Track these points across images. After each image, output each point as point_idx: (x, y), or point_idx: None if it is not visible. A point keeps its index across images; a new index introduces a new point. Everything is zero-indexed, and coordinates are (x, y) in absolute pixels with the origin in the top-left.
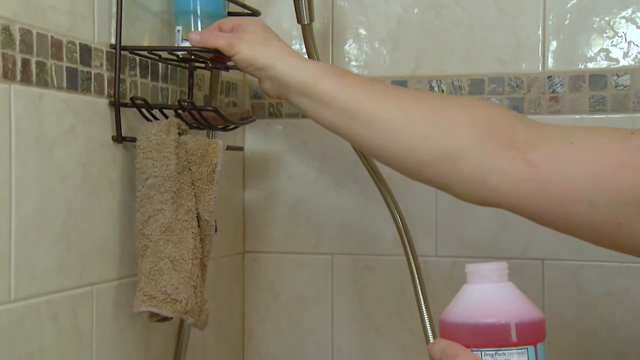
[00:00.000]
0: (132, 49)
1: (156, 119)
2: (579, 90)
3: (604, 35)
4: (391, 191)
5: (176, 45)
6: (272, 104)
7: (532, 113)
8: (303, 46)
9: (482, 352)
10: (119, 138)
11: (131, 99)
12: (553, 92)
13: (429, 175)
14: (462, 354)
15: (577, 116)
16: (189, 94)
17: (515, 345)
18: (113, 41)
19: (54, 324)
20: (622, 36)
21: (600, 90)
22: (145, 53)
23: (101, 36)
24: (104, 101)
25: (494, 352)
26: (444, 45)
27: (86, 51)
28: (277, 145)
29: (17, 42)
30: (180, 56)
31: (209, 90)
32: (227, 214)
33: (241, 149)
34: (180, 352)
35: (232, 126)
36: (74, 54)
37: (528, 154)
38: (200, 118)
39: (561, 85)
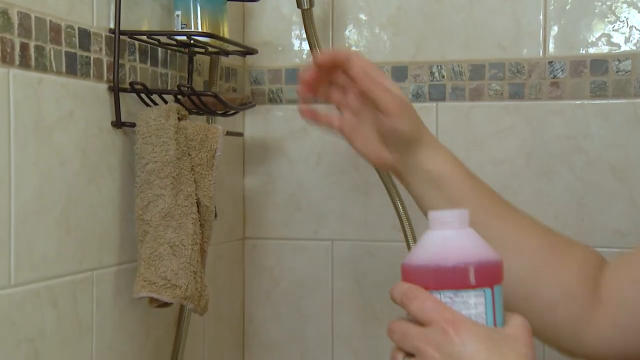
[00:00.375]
0: (131, 34)
1: (155, 104)
2: (580, 76)
3: (606, 20)
4: (391, 177)
5: (175, 30)
6: (272, 89)
7: (533, 99)
8: (303, 31)
9: (442, 294)
10: (118, 123)
11: (130, 83)
12: (554, 77)
13: (523, 311)
14: (422, 296)
15: (578, 102)
16: (189, 79)
17: (473, 287)
18: (112, 26)
19: (54, 309)
20: (623, 21)
21: (602, 75)
22: (144, 38)
23: (100, 21)
24: (104, 86)
25: (452, 294)
26: (445, 31)
27: (85, 36)
28: (278, 131)
29: (16, 26)
30: (179, 41)
31: (209, 76)
32: (227, 200)
33: (241, 134)
34: (180, 338)
35: (232, 111)
36: (73, 38)
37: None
38: (200, 103)
39: (562, 70)
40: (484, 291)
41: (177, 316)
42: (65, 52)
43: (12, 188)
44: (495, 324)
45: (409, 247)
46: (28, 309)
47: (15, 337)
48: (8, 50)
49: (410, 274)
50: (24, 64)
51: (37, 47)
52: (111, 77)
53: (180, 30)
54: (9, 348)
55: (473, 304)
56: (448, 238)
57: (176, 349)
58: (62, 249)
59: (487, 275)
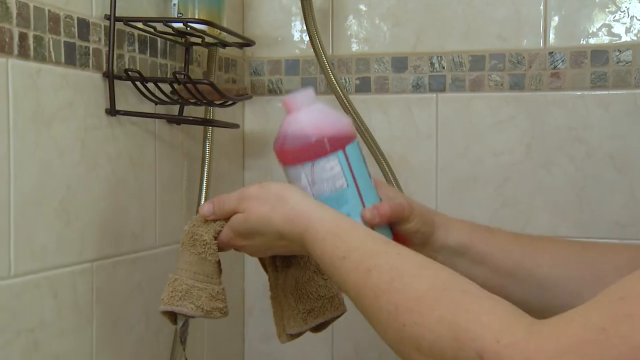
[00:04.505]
0: (127, 20)
1: (151, 92)
2: (581, 67)
3: (606, 10)
4: (392, 168)
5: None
6: (271, 80)
7: (533, 89)
8: (303, 23)
9: (304, 166)
10: (112, 111)
11: (125, 70)
12: (554, 68)
13: None
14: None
15: (579, 92)
16: (185, 69)
17: (325, 154)
18: (107, 12)
19: (54, 300)
20: (624, 11)
21: (602, 66)
22: (140, 25)
23: (99, 10)
24: (103, 77)
25: (311, 164)
26: (445, 21)
27: (84, 26)
28: (277, 123)
29: (14, 16)
30: (176, 29)
31: (207, 67)
32: (227, 192)
33: (237, 126)
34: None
35: (230, 102)
36: (72, 28)
37: None
38: (196, 92)
39: (562, 61)
40: (337, 155)
41: None
42: (64, 42)
43: (11, 179)
44: (354, 179)
45: None
46: (28, 299)
47: (15, 328)
48: (7, 40)
49: (278, 155)
50: (23, 54)
51: (35, 37)
52: (111, 67)
53: (176, 17)
54: (9, 338)
55: (329, 167)
56: (300, 117)
57: (176, 340)
58: (62, 239)
59: (335, 141)
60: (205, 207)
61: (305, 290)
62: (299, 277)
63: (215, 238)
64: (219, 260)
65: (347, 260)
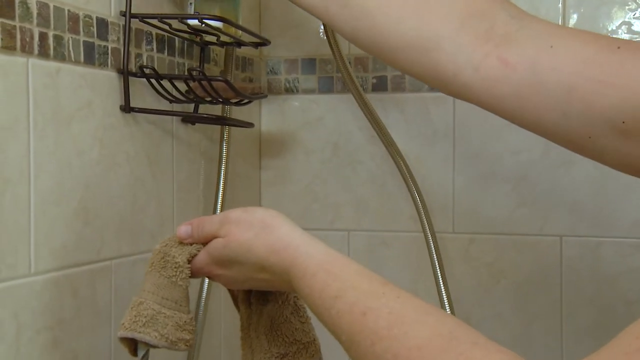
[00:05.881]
0: (142, 17)
1: (166, 90)
2: None
3: (626, 7)
4: (409, 167)
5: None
6: (288, 79)
7: None
8: (320, 22)
9: None
10: (126, 108)
11: (140, 67)
12: None
13: (404, 63)
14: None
15: None
16: (201, 67)
17: None
18: (123, 8)
19: (73, 298)
20: None
21: None
22: (156, 22)
23: (117, 10)
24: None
25: None
26: None
27: (103, 25)
28: (293, 122)
29: (35, 16)
30: (192, 27)
31: (224, 65)
32: (243, 191)
33: (252, 125)
34: (197, 325)
35: (246, 101)
36: (91, 27)
37: (503, 52)
38: (211, 89)
39: None
40: None
41: (194, 306)
42: (84, 41)
43: (31, 178)
44: None
45: (426, 238)
46: (47, 297)
47: (35, 326)
48: (27, 39)
49: None
50: (43, 53)
51: (55, 37)
52: (130, 67)
53: (191, 14)
54: (29, 336)
55: None
56: None
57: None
58: (81, 238)
59: None
60: (183, 229)
61: (280, 331)
62: (275, 316)
63: (189, 262)
64: (188, 287)
65: (340, 301)
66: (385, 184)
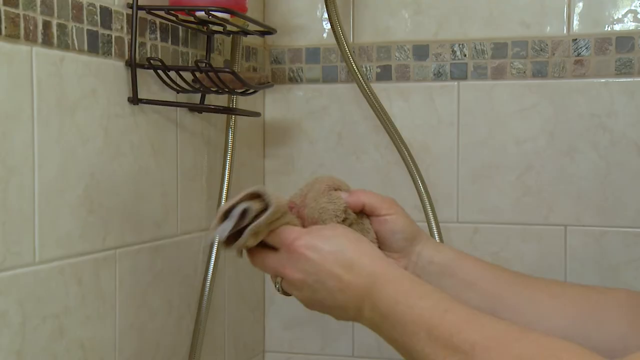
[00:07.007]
0: (149, 9)
1: (173, 81)
2: (605, 54)
3: None
4: (413, 156)
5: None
6: (292, 69)
7: (556, 77)
8: (324, 11)
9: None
10: (134, 99)
11: (147, 59)
12: (578, 55)
13: None
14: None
15: (603, 80)
16: (207, 58)
17: None
18: (131, 1)
19: (78, 287)
20: None
21: (627, 52)
22: (162, 13)
23: (122, 0)
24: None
25: None
26: (467, 9)
27: (106, 14)
28: (298, 111)
29: (38, 4)
30: (198, 17)
31: (230, 55)
32: (248, 180)
33: (258, 114)
34: (201, 316)
35: (251, 90)
36: (95, 16)
37: None
38: (218, 80)
39: (586, 48)
40: None
41: (199, 295)
42: (87, 30)
43: (35, 166)
44: None
45: (430, 227)
46: (53, 286)
47: (41, 314)
48: (31, 28)
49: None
50: (47, 42)
51: (59, 25)
52: (133, 55)
53: (198, 4)
54: (35, 324)
55: None
56: None
57: (197, 327)
58: (86, 227)
59: None
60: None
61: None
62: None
63: (337, 212)
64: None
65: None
66: (390, 174)
